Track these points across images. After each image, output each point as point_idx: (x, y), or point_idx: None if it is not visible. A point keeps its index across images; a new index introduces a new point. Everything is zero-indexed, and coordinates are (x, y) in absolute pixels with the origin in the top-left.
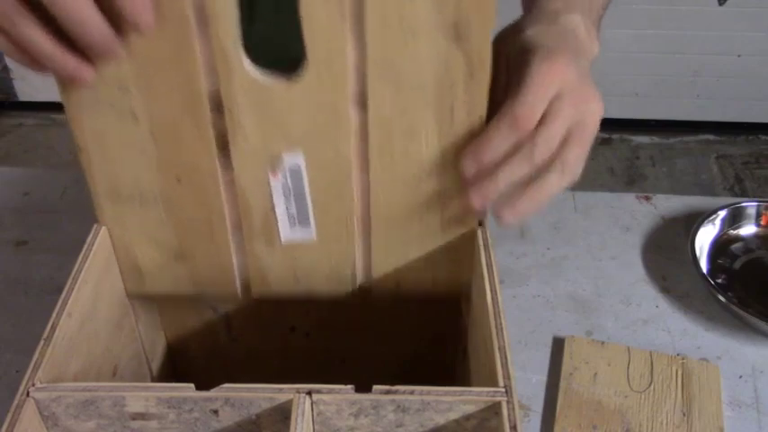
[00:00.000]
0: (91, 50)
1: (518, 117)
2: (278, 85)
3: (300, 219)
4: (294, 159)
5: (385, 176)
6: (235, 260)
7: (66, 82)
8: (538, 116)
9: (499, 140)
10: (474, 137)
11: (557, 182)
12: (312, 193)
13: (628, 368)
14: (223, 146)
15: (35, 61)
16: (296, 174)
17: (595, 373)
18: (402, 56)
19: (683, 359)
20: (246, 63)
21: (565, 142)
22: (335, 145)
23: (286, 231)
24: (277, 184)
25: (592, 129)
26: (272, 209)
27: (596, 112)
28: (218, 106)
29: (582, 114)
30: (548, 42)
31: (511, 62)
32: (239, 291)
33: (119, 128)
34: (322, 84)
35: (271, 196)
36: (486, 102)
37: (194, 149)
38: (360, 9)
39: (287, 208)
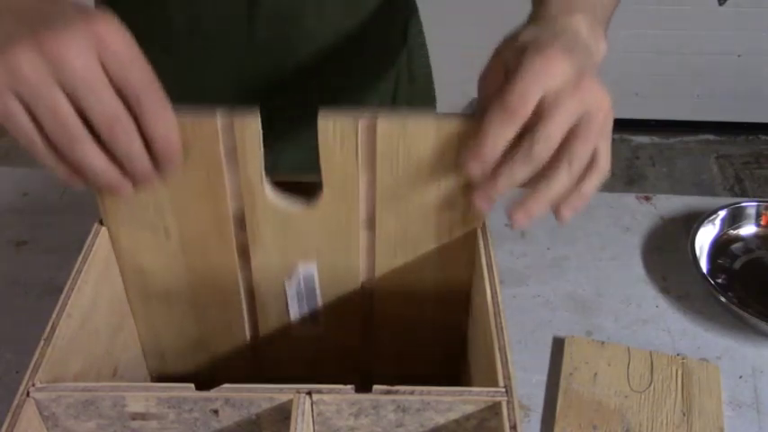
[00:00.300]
0: (133, 177)
1: (507, 105)
2: (296, 209)
3: (311, 317)
4: (308, 269)
5: (388, 281)
6: (249, 349)
7: (105, 193)
8: (529, 105)
9: (494, 133)
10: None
11: (566, 179)
12: (322, 295)
13: (628, 368)
14: (244, 254)
15: (80, 178)
16: (309, 280)
17: (595, 373)
18: (408, 188)
19: (683, 359)
20: (268, 190)
21: (571, 137)
22: (346, 258)
23: (297, 326)
24: (291, 289)
25: (600, 121)
26: (286, 308)
27: (602, 103)
28: (241, 223)
29: (586, 106)
30: (542, 40)
31: (509, 68)
32: (252, 368)
33: (152, 240)
34: (336, 210)
35: (285, 298)
36: (482, 218)
37: (218, 259)
38: (372, 150)
39: (299, 308)
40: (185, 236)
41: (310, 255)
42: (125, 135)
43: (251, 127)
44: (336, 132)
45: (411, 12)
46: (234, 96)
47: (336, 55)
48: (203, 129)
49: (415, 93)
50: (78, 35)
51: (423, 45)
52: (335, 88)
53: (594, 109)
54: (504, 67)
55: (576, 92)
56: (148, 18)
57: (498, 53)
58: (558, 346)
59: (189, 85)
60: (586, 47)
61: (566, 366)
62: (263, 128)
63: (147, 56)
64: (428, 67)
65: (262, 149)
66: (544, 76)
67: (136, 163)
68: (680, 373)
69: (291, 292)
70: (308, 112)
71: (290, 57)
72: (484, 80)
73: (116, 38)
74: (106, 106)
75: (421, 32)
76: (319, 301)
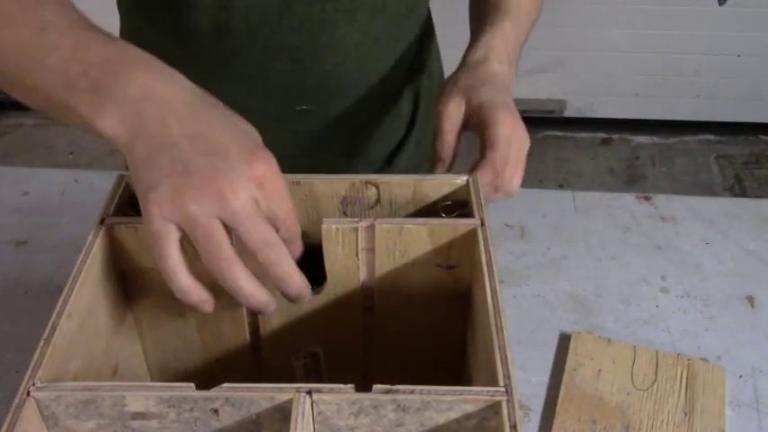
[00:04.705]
0: (288, 296)
1: (495, 167)
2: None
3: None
4: (313, 349)
5: (386, 355)
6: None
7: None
8: (506, 166)
9: (482, 182)
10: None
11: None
12: (326, 369)
13: (632, 366)
14: (254, 334)
15: (217, 301)
16: (314, 358)
17: (599, 370)
18: (403, 278)
19: (689, 359)
20: None
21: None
22: (348, 338)
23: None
24: (299, 365)
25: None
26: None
27: (527, 143)
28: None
29: (522, 149)
30: (493, 98)
31: (477, 124)
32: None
33: (171, 325)
34: (338, 298)
35: (293, 373)
36: (467, 316)
37: (231, 340)
38: (371, 247)
39: (306, 382)
40: (200, 319)
41: (316, 337)
42: (280, 257)
43: None
44: (339, 235)
45: (429, 18)
46: (257, 100)
47: (363, 59)
48: None
49: (432, 91)
50: (242, 182)
51: (436, 44)
52: (360, 89)
53: (525, 148)
54: (467, 115)
55: (519, 142)
56: (177, 20)
57: (451, 98)
58: (564, 342)
59: (212, 88)
60: (506, 86)
61: (570, 362)
62: (284, 131)
63: (173, 55)
64: (440, 62)
65: None
66: (513, 143)
67: (289, 281)
68: (685, 373)
69: (299, 369)
70: (330, 117)
71: (318, 62)
72: (446, 116)
73: (273, 182)
74: (262, 233)
75: (434, 32)
76: (324, 376)
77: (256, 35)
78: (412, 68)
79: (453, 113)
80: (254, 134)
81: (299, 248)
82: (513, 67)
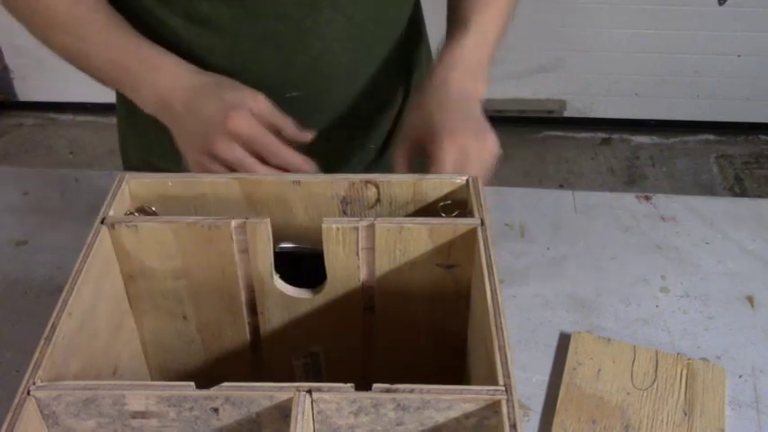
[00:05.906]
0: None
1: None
2: (302, 296)
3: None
4: (313, 348)
5: (386, 355)
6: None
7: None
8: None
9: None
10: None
11: None
12: (326, 369)
13: (632, 366)
14: (254, 334)
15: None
16: (314, 357)
17: (599, 370)
18: (403, 278)
19: (688, 359)
20: (277, 279)
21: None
22: (348, 337)
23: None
24: (299, 364)
25: (490, 159)
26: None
27: (491, 146)
28: (252, 309)
29: (485, 158)
30: (445, 123)
31: (431, 155)
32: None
33: (171, 325)
34: (338, 297)
35: (293, 373)
36: (466, 316)
37: (232, 340)
38: (371, 247)
39: (306, 381)
40: (201, 320)
41: (315, 336)
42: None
43: (261, 230)
44: (339, 235)
45: (417, 8)
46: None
47: (349, 45)
48: (220, 231)
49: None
50: (220, 137)
51: (426, 37)
52: (348, 76)
53: (487, 153)
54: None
55: (477, 151)
56: (163, 14)
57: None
58: (564, 341)
59: None
60: (468, 96)
61: (570, 361)
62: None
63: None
64: (431, 55)
65: (271, 248)
66: (457, 153)
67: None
68: (684, 373)
69: (299, 367)
70: (320, 105)
71: (304, 48)
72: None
73: (245, 126)
74: (249, 160)
75: (423, 25)
76: (323, 375)
77: (242, 23)
78: (401, 58)
79: (408, 133)
80: (233, 94)
81: (284, 157)
82: (479, 74)
